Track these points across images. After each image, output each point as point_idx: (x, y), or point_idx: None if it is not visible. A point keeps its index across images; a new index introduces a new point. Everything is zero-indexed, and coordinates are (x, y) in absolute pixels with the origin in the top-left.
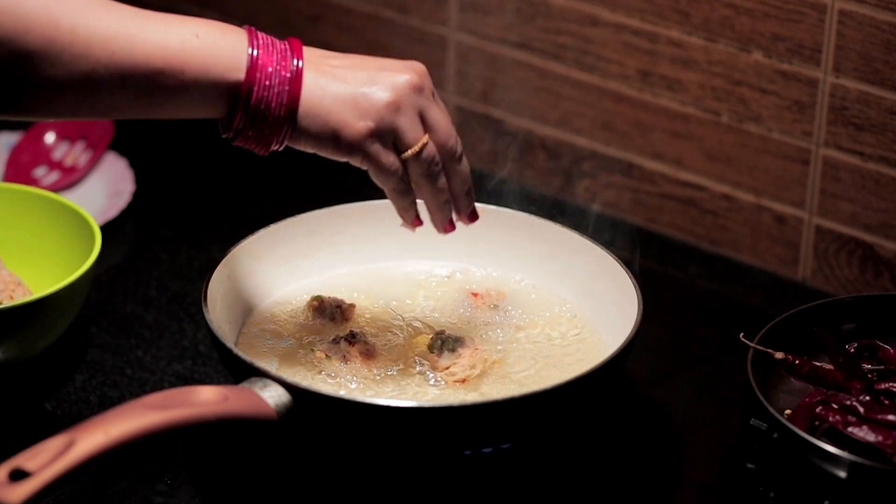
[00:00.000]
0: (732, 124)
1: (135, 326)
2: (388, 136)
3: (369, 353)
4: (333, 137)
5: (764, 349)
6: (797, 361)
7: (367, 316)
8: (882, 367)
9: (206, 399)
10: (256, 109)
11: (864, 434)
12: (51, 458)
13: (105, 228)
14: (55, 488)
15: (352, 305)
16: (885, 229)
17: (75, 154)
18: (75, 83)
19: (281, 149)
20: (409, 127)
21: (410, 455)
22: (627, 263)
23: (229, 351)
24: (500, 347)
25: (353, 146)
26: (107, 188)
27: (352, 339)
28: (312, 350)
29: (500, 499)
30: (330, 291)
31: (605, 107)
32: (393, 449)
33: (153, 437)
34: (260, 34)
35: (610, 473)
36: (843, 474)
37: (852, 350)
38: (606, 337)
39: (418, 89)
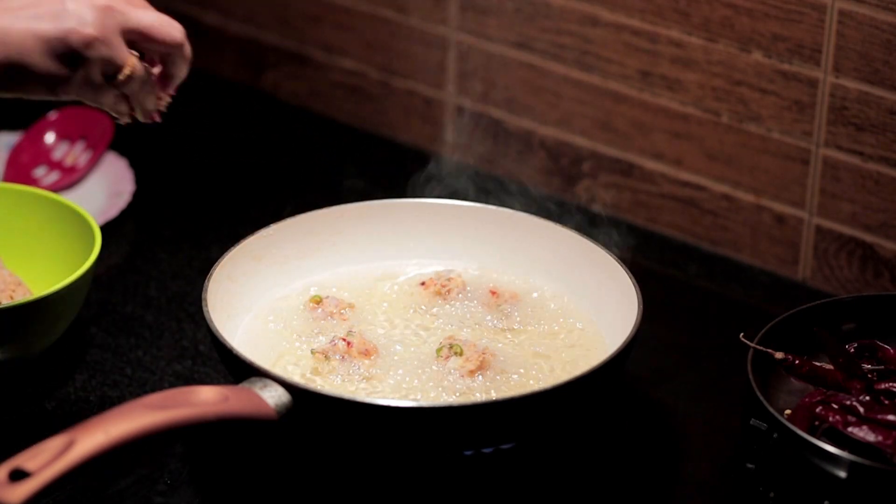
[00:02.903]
0: (732, 124)
1: (135, 326)
2: (95, 69)
3: (368, 353)
4: (41, 83)
5: (764, 349)
6: (797, 361)
7: (367, 316)
8: (882, 367)
9: (206, 399)
10: None
11: (864, 434)
12: (51, 458)
13: (105, 228)
14: (55, 488)
15: (351, 305)
16: (885, 229)
17: (75, 154)
18: None
19: None
20: (113, 55)
21: (410, 455)
22: (627, 263)
23: (229, 351)
24: (499, 347)
25: (58, 89)
26: (107, 188)
27: (351, 338)
28: (312, 350)
29: (501, 499)
30: (329, 291)
31: (605, 107)
32: (393, 449)
33: (153, 437)
34: None
35: (610, 473)
36: (843, 474)
37: (852, 350)
38: (606, 337)
39: (109, 10)
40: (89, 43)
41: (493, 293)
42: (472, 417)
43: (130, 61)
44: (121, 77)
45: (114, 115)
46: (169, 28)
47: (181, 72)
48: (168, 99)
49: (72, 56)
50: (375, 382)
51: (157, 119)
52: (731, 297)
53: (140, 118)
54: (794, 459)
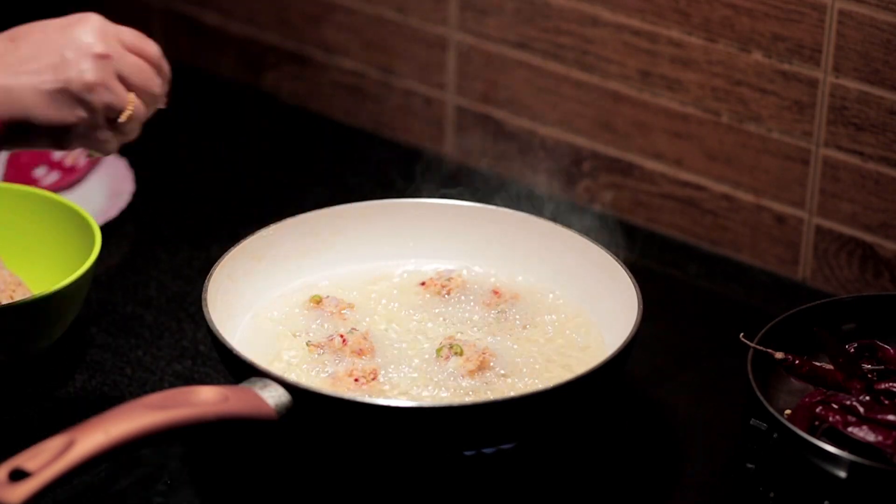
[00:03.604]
0: (732, 124)
1: (135, 326)
2: (99, 114)
3: (363, 352)
4: (48, 136)
5: (764, 349)
6: (797, 361)
7: (367, 316)
8: (882, 367)
9: (206, 399)
10: None
11: (864, 434)
12: (51, 458)
13: (105, 228)
14: (55, 488)
15: (351, 305)
16: (885, 229)
17: (75, 154)
18: None
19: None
20: (114, 99)
21: (410, 455)
22: (627, 263)
23: (229, 351)
24: (499, 347)
25: (70, 138)
26: (107, 188)
27: (350, 337)
28: (311, 349)
29: (501, 499)
30: (330, 291)
31: (605, 107)
32: (393, 449)
33: (153, 437)
34: None
35: (610, 473)
36: (843, 474)
37: (852, 350)
38: (606, 337)
39: (106, 58)
40: (91, 88)
41: (496, 293)
42: (473, 417)
43: (131, 101)
44: (122, 119)
45: (101, 153)
46: (150, 82)
47: (152, 112)
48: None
49: (74, 104)
50: (374, 381)
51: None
52: (731, 297)
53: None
54: (794, 459)
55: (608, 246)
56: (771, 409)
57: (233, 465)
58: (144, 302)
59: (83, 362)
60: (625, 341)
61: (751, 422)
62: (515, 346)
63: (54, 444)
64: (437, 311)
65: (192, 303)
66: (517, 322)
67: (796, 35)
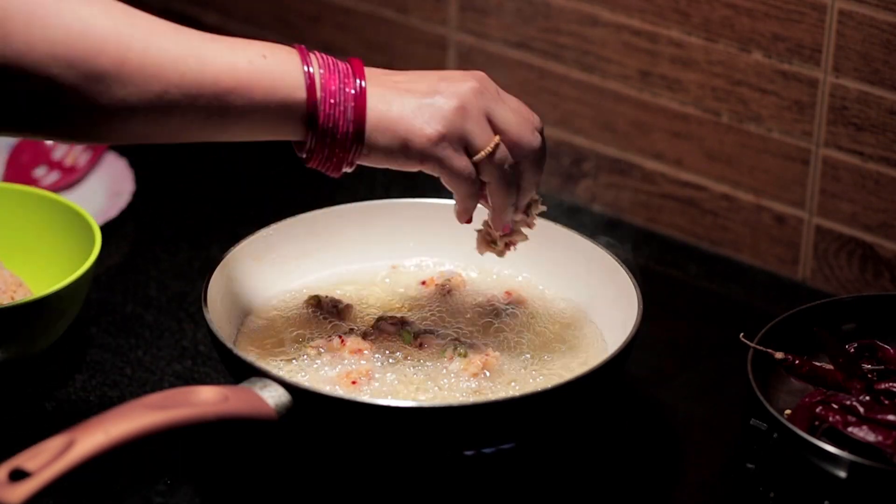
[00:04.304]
0: (732, 124)
1: (135, 326)
2: (457, 141)
3: (361, 352)
4: (403, 147)
5: (764, 349)
6: (797, 361)
7: (366, 315)
8: (882, 367)
9: (206, 399)
10: (325, 128)
11: (864, 434)
12: (51, 458)
13: (105, 228)
14: (55, 488)
15: (349, 306)
16: (885, 229)
17: (75, 154)
18: (147, 105)
19: (352, 169)
20: (477, 130)
21: (410, 455)
22: (627, 263)
23: (229, 351)
24: (499, 346)
25: (424, 154)
26: (107, 188)
27: (348, 337)
28: (310, 350)
29: (501, 499)
30: (329, 291)
31: (605, 107)
32: (393, 449)
33: (153, 437)
34: (321, 55)
35: (610, 473)
36: (843, 474)
37: (852, 350)
38: (606, 337)
39: (480, 92)
40: (456, 109)
41: (496, 293)
42: (473, 417)
43: (494, 140)
44: (482, 155)
45: (461, 214)
46: (526, 132)
47: (529, 184)
48: (523, 234)
49: (440, 121)
50: (373, 381)
51: (511, 249)
52: (731, 297)
53: (495, 227)
54: (794, 459)
55: (608, 246)
56: (771, 409)
57: (233, 465)
58: (144, 302)
59: (83, 362)
60: (625, 341)
61: (751, 422)
62: (515, 347)
63: (54, 444)
64: (437, 310)
65: (192, 303)
66: (517, 322)
67: (796, 35)
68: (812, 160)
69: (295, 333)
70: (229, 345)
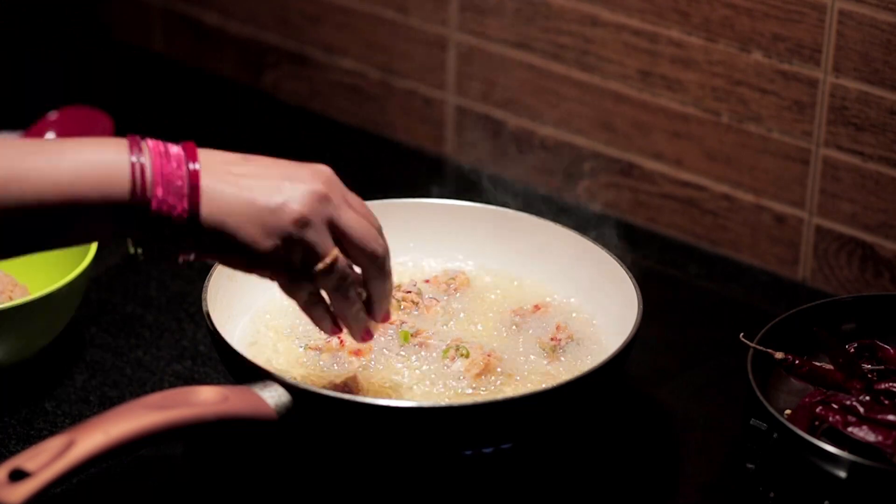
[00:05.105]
0: (732, 124)
1: (135, 326)
2: (296, 252)
3: (360, 353)
4: (241, 254)
5: (764, 349)
6: (797, 361)
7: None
8: (882, 367)
9: (206, 399)
10: (156, 222)
11: (864, 434)
12: (51, 458)
13: None
14: (55, 488)
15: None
16: (885, 229)
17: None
18: None
19: (191, 259)
20: (317, 241)
21: (410, 455)
22: (627, 263)
23: (229, 351)
24: (499, 346)
25: (261, 264)
26: None
27: (347, 337)
28: (310, 350)
29: (501, 499)
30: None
31: (605, 107)
32: (393, 449)
33: (153, 437)
34: (148, 141)
35: (610, 473)
36: (843, 474)
37: (852, 350)
38: (606, 337)
39: (325, 199)
40: (297, 221)
41: (496, 293)
42: (472, 417)
43: (333, 253)
44: (320, 266)
45: (315, 322)
46: (371, 240)
47: (379, 292)
48: (378, 327)
49: (274, 230)
50: (372, 380)
51: (368, 339)
52: (731, 297)
53: (351, 334)
54: (794, 459)
55: (608, 246)
56: (771, 409)
57: (233, 465)
58: (144, 302)
59: (83, 362)
60: (625, 341)
61: (751, 422)
62: (515, 346)
63: (54, 444)
64: (440, 310)
65: (192, 303)
66: (518, 322)
67: (796, 35)
68: (812, 160)
69: (295, 334)
70: (229, 345)
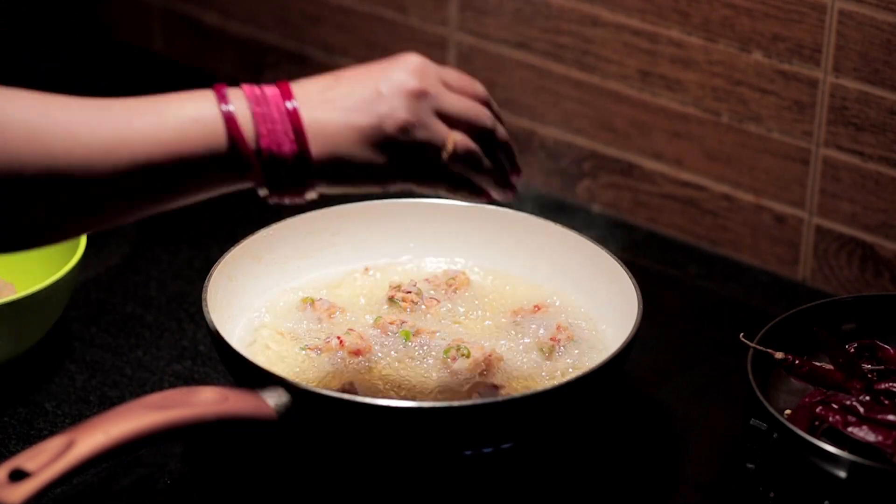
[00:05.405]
0: (732, 124)
1: (135, 326)
2: (415, 152)
3: (360, 352)
4: (362, 176)
5: (764, 349)
6: (797, 361)
7: (365, 316)
8: (882, 367)
9: (206, 399)
10: (270, 166)
11: (864, 434)
12: (51, 458)
13: None
14: (55, 488)
15: (343, 308)
16: (885, 229)
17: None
18: (84, 205)
19: (315, 196)
20: (430, 137)
21: (410, 455)
22: (627, 263)
23: (229, 351)
24: (498, 347)
25: (385, 179)
26: None
27: (347, 338)
28: (309, 350)
29: (501, 499)
30: (328, 291)
31: (605, 107)
32: (393, 449)
33: (153, 437)
34: (244, 88)
35: (610, 473)
36: (843, 474)
37: (852, 350)
38: (606, 337)
39: (422, 94)
40: (403, 128)
41: (496, 293)
42: (472, 417)
43: (451, 138)
44: (444, 156)
45: (467, 199)
46: (474, 116)
47: (503, 154)
48: (519, 181)
49: (390, 144)
50: (371, 381)
51: (513, 195)
52: (731, 297)
53: (496, 196)
54: (794, 459)
55: (608, 246)
56: (771, 409)
57: (233, 465)
58: (144, 302)
59: (83, 362)
60: (625, 341)
61: (751, 422)
62: (516, 347)
63: (54, 444)
64: (441, 309)
65: (192, 303)
66: (519, 322)
67: (796, 35)
68: (812, 160)
69: (294, 334)
70: (229, 345)
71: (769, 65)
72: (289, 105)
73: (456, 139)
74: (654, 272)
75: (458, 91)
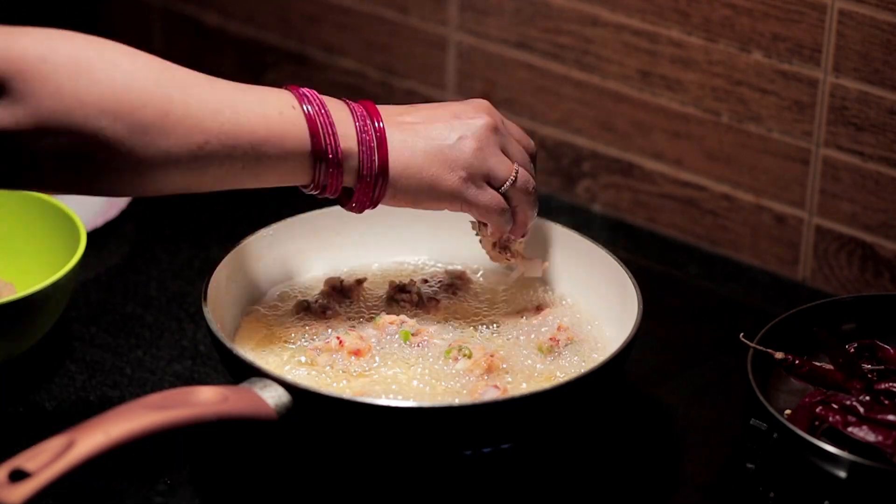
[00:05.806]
0: (732, 124)
1: (135, 326)
2: (481, 178)
3: (360, 352)
4: (430, 192)
5: (764, 349)
6: (797, 361)
7: (367, 315)
8: (882, 367)
9: (206, 399)
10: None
11: (864, 434)
12: (51, 458)
13: (105, 229)
14: (55, 488)
15: (347, 308)
16: (885, 229)
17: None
18: (188, 156)
19: (375, 207)
20: (497, 165)
21: (410, 455)
22: (627, 263)
23: (229, 351)
24: (498, 346)
25: (451, 197)
26: None
27: (346, 337)
28: (309, 351)
29: (500, 499)
30: (328, 291)
31: (605, 107)
32: (393, 449)
33: (153, 437)
34: (341, 101)
35: (610, 474)
36: (843, 474)
37: (852, 350)
38: (606, 337)
39: (494, 129)
40: (476, 151)
41: (496, 293)
42: (472, 417)
43: (514, 168)
44: (508, 184)
45: (500, 232)
46: (527, 159)
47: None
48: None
49: (459, 166)
50: (371, 381)
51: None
52: (731, 297)
53: (515, 234)
54: (794, 459)
55: (608, 246)
56: (771, 409)
57: (233, 465)
58: (144, 302)
59: (83, 362)
60: (625, 341)
61: (751, 422)
62: (516, 347)
63: (54, 444)
64: (441, 309)
65: (192, 303)
66: (519, 322)
67: (796, 35)
68: (812, 160)
69: (294, 334)
70: (229, 345)
71: (769, 65)
72: (377, 124)
73: (518, 170)
74: (654, 272)
75: (515, 137)
